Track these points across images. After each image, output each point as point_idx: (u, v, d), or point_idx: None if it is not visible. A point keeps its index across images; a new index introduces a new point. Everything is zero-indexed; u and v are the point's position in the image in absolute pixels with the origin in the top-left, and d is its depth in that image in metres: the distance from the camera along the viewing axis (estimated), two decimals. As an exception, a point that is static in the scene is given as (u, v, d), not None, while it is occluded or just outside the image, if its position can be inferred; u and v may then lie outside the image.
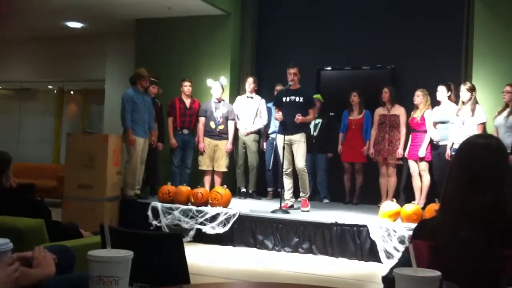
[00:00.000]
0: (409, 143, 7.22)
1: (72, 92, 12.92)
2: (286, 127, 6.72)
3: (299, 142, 6.74)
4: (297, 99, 6.79)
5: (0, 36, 10.57)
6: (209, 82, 7.95)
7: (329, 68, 8.73)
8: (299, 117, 6.65)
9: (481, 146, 1.81)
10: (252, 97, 8.04)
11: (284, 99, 6.86)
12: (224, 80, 8.06)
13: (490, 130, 6.52)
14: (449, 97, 6.93)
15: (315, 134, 7.94)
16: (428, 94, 7.10)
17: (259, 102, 8.05)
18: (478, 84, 6.75)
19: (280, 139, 6.83)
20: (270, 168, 7.64)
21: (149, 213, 6.89)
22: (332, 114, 8.18)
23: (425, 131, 6.99)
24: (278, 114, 6.83)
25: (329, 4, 8.67)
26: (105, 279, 1.47)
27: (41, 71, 11.54)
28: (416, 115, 7.11)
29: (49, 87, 12.90)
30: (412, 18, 8.20)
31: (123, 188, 7.26)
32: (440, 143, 6.81)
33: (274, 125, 7.86)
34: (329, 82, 8.68)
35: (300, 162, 6.73)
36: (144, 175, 7.50)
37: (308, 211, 6.76)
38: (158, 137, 7.80)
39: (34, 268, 1.95)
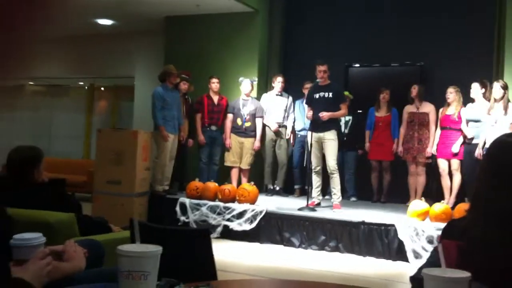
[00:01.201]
0: (438, 141, 7.11)
1: (102, 89, 13.11)
2: (316, 124, 6.67)
3: (329, 141, 6.66)
4: (326, 94, 6.73)
5: (32, 34, 10.75)
6: (241, 78, 7.97)
7: (357, 65, 8.66)
8: (323, 115, 6.58)
9: (511, 145, 1.78)
10: (281, 95, 8.04)
11: (314, 96, 6.82)
12: (255, 79, 8.08)
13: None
14: (483, 95, 6.77)
15: (346, 131, 7.89)
16: (460, 91, 6.98)
17: (288, 100, 8.05)
18: (509, 81, 6.62)
19: (309, 136, 6.79)
20: (304, 165, 7.61)
21: (177, 208, 6.95)
22: (360, 111, 8.11)
23: (460, 129, 6.89)
24: (309, 113, 6.79)
25: (358, 1, 8.60)
26: (134, 273, 1.49)
27: (72, 68, 11.73)
28: (451, 112, 6.97)
29: (80, 83, 13.12)
30: (442, 15, 8.08)
31: (152, 183, 7.35)
32: (473, 141, 6.69)
33: (303, 123, 7.84)
34: (357, 79, 8.62)
35: (331, 160, 6.66)
36: (173, 171, 7.58)
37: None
38: (189, 134, 7.87)
39: (65, 261, 1.98)
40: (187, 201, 6.96)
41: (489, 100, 6.67)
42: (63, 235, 2.83)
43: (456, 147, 6.87)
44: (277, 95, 8.04)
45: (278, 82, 8.00)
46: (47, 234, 1.93)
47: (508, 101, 6.42)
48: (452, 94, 6.98)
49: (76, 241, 2.16)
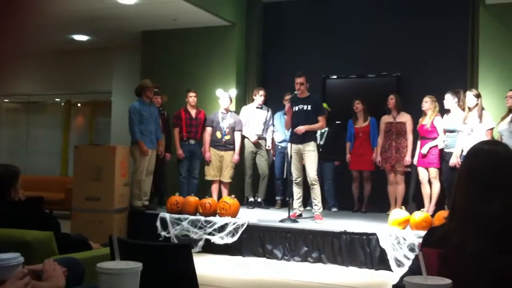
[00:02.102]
0: (417, 150, 7.19)
1: (79, 105, 13.01)
2: (296, 136, 6.70)
3: (309, 152, 6.70)
4: (305, 107, 6.76)
5: (8, 49, 10.63)
6: (218, 92, 7.98)
7: (334, 77, 8.73)
8: (299, 129, 6.61)
9: (488, 153, 1.80)
10: (261, 108, 8.08)
11: (294, 108, 6.85)
12: (234, 91, 8.10)
13: (496, 136, 6.50)
14: (457, 104, 6.87)
15: (321, 142, 7.92)
16: (436, 101, 7.08)
17: (268, 113, 8.09)
18: (484, 90, 6.74)
19: (289, 148, 6.81)
20: (284, 177, 7.61)
21: (158, 224, 6.89)
22: (338, 122, 8.17)
23: (435, 139, 6.97)
24: (288, 116, 6.78)
25: (334, 13, 8.69)
26: (115, 291, 1.48)
27: (48, 84, 11.62)
28: (425, 122, 7.07)
29: (56, 100, 12.99)
30: (418, 26, 8.21)
31: (131, 199, 7.28)
32: (450, 150, 6.77)
33: (283, 134, 7.86)
34: (334, 90, 8.69)
35: (312, 172, 6.69)
36: (152, 186, 7.53)
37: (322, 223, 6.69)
38: (166, 148, 7.84)
39: (44, 281, 1.95)
40: (167, 216, 6.90)
41: (463, 109, 6.78)
42: (42, 254, 2.79)
43: (424, 149, 6.95)
44: (257, 108, 8.07)
45: (260, 96, 8.03)
46: (25, 253, 1.90)
47: (483, 109, 6.52)
48: (427, 103, 7.08)
49: (55, 260, 2.13)
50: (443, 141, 6.88)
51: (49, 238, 3.14)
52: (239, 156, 7.88)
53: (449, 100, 6.86)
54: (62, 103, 12.94)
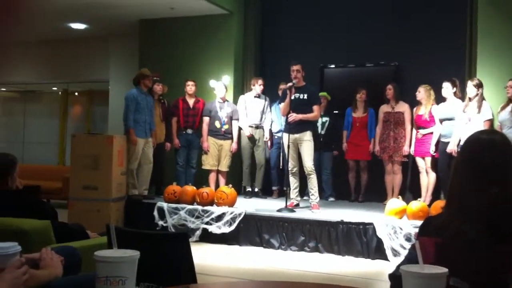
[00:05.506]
0: (414, 140, 7.20)
1: (76, 94, 12.97)
2: (292, 126, 6.69)
3: (305, 142, 6.69)
4: (301, 96, 6.74)
5: (4, 39, 10.59)
6: (212, 82, 7.97)
7: (332, 66, 8.71)
8: (293, 117, 6.58)
9: (485, 142, 1.80)
10: (258, 97, 8.06)
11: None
12: (227, 78, 8.08)
13: (495, 126, 6.49)
14: (454, 93, 6.88)
15: (322, 132, 7.92)
16: (431, 90, 7.07)
17: (265, 102, 8.08)
18: (482, 79, 6.71)
19: (285, 138, 6.81)
20: (281, 167, 7.62)
21: (155, 213, 6.90)
22: (336, 112, 8.16)
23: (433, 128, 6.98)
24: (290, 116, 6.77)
25: (332, 1, 8.66)
26: (112, 279, 1.48)
27: (45, 72, 11.58)
28: (422, 112, 7.07)
29: (53, 88, 12.95)
30: (416, 14, 8.18)
31: (127, 188, 7.27)
32: (446, 139, 6.77)
33: (280, 124, 7.85)
34: (332, 79, 8.67)
35: (308, 162, 6.67)
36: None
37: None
38: (166, 137, 7.83)
39: (42, 269, 1.96)
40: (165, 205, 6.91)
41: (460, 99, 6.77)
42: (39, 243, 2.79)
43: (432, 148, 6.96)
44: (255, 97, 8.06)
45: (259, 85, 8.01)
46: (23, 241, 1.90)
47: (483, 99, 6.48)
48: (420, 93, 7.06)
49: (52, 249, 2.13)
50: (439, 131, 6.87)
51: (47, 227, 3.15)
52: (237, 145, 7.88)
53: (448, 89, 6.84)
54: (59, 92, 12.90)
